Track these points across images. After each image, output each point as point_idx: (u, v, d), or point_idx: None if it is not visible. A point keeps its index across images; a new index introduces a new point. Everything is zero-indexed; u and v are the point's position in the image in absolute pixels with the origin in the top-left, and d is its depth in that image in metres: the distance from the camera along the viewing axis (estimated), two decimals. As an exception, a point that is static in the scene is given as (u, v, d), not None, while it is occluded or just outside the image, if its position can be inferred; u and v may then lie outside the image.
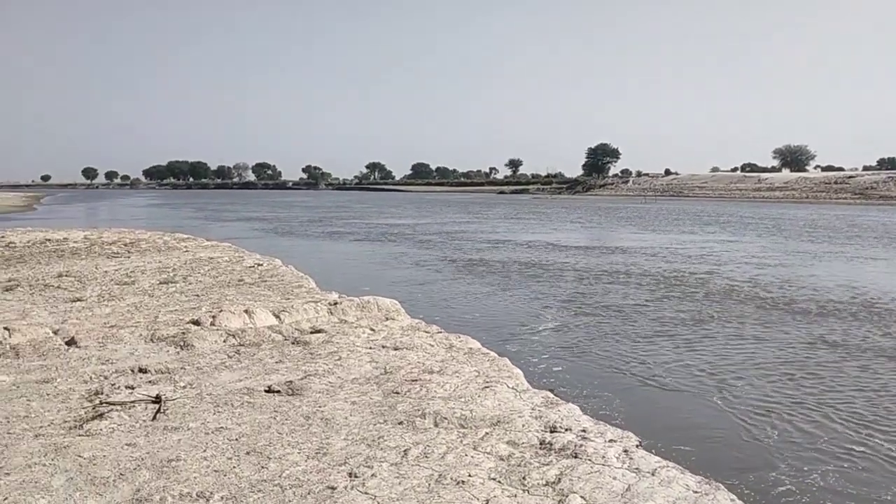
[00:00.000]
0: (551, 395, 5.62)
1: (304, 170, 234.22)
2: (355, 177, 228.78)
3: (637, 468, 4.03)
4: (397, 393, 5.40)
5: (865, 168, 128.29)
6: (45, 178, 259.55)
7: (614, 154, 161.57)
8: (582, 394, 8.67)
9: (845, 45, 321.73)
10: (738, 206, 76.83)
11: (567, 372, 9.81)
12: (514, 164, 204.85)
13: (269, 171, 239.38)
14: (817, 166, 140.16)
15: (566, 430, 4.66)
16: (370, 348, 6.90)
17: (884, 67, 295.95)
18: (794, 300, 15.60)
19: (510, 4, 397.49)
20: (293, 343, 7.06)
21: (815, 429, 7.65)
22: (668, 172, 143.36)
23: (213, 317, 7.71)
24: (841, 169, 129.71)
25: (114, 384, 5.52)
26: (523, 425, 4.73)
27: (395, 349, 6.88)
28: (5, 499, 3.51)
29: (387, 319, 8.41)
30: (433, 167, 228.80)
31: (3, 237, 18.33)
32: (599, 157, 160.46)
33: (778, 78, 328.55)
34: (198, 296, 9.64)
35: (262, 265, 13.02)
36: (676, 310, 14.52)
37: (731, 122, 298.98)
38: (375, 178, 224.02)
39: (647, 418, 7.83)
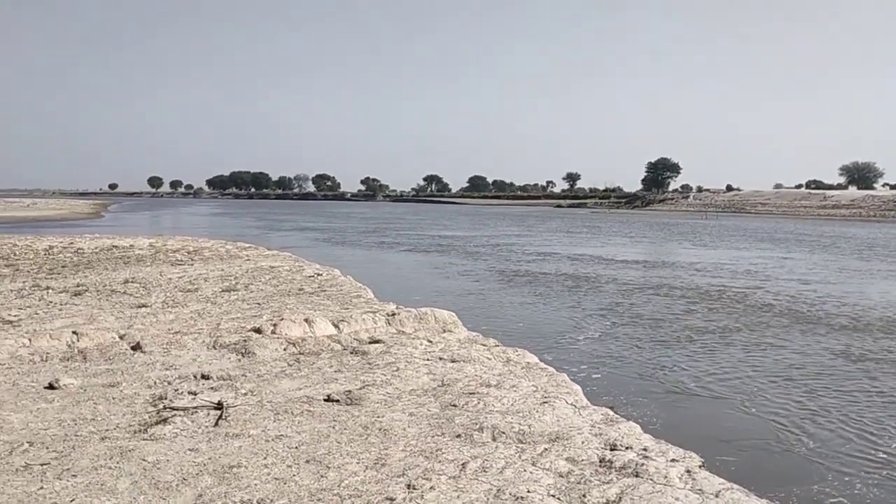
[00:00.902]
0: (611, 413, 5.54)
1: (362, 181, 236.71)
2: (412, 189, 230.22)
3: (700, 489, 3.93)
4: (455, 405, 5.38)
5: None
6: (113, 186, 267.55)
7: (674, 169, 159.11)
8: (620, 401, 8.77)
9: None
10: (799, 224, 74.90)
11: (605, 378, 10.05)
12: (572, 178, 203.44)
13: (329, 183, 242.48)
14: (885, 184, 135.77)
15: (627, 448, 4.59)
16: (428, 360, 6.90)
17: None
18: (832, 315, 15.56)
19: (570, 24, 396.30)
20: (352, 353, 7.11)
21: (850, 438, 7.69)
22: (729, 188, 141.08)
23: (274, 325, 7.81)
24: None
25: (177, 390, 5.63)
26: (583, 442, 4.66)
27: (453, 361, 6.88)
28: (72, 500, 3.59)
29: (444, 331, 8.41)
30: (490, 180, 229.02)
31: (72, 243, 18.89)
32: (659, 172, 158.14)
33: (843, 92, 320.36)
34: (259, 304, 9.77)
35: (321, 275, 13.16)
36: (711, 321, 14.75)
37: (796, 138, 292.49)
38: (432, 191, 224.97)
39: (685, 427, 7.93)
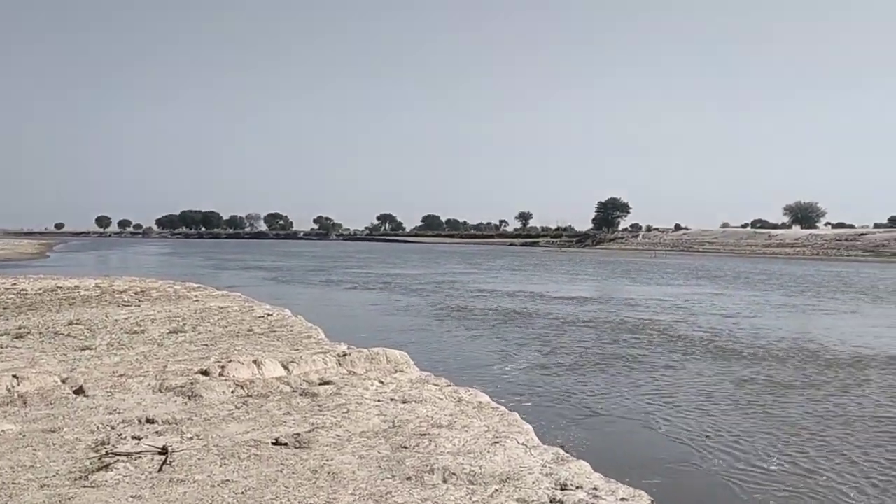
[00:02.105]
0: (562, 452, 5.55)
1: (315, 220, 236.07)
2: (366, 227, 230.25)
3: (649, 529, 3.96)
4: (405, 447, 5.34)
5: (877, 225, 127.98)
6: (59, 225, 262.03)
7: (624, 208, 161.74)
8: (547, 426, 9.09)
9: (854, 101, 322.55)
10: (743, 262, 76.55)
11: (534, 406, 10.61)
12: (525, 217, 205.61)
13: (281, 222, 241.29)
14: (828, 223, 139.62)
15: (577, 487, 4.59)
16: (378, 401, 6.85)
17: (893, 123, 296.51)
18: (741, 345, 16.91)
19: (518, 61, 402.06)
20: (301, 395, 7.02)
21: (759, 459, 8.40)
22: (678, 227, 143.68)
23: (222, 367, 7.69)
24: (851, 226, 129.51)
25: (120, 434, 5.49)
26: (533, 482, 4.66)
27: (404, 402, 6.84)
28: (8, 551, 3.47)
29: (396, 371, 8.37)
30: (444, 219, 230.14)
31: (14, 284, 18.44)
32: (609, 212, 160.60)
33: (788, 134, 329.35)
34: (207, 346, 9.63)
35: (271, 315, 13.02)
36: (629, 350, 15.97)
37: (741, 178, 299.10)
38: (386, 229, 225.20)
39: (609, 450, 8.57)
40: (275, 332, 11.09)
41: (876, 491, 7.21)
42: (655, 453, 8.56)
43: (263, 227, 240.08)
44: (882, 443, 8.95)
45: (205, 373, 7.57)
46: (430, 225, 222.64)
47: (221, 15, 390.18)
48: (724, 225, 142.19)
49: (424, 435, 5.65)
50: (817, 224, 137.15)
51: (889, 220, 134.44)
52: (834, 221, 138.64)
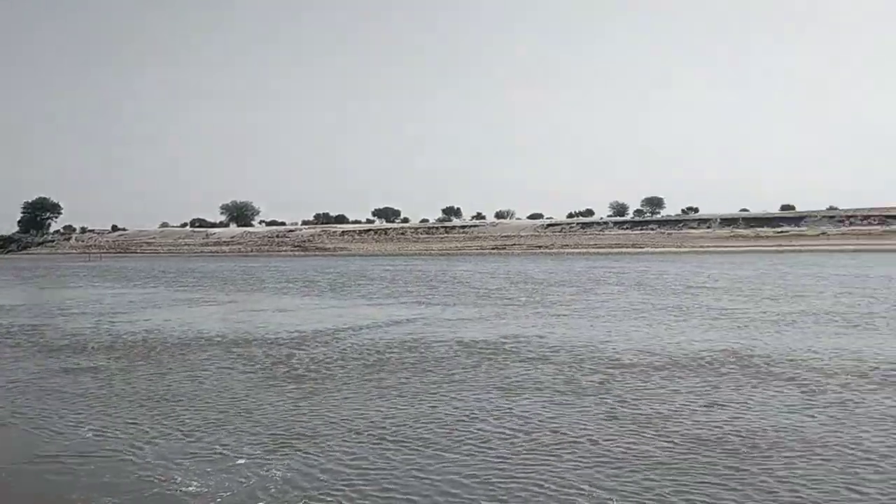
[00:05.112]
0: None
1: None
2: None
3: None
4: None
5: (304, 222, 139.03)
6: None
7: (55, 209, 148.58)
8: None
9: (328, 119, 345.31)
10: (173, 262, 76.63)
11: None
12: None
13: None
14: (262, 221, 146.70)
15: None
16: None
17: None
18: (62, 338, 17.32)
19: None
20: None
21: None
22: (115, 228, 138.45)
23: None
24: (283, 223, 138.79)
25: None
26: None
27: None
28: None
29: None
30: None
31: None
32: (38, 213, 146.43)
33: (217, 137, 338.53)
34: None
35: None
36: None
37: (186, 179, 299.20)
38: None
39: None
40: None
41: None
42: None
43: None
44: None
45: None
46: None
47: None
48: (164, 225, 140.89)
49: None
50: (252, 222, 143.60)
51: (314, 216, 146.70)
52: (268, 220, 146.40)
